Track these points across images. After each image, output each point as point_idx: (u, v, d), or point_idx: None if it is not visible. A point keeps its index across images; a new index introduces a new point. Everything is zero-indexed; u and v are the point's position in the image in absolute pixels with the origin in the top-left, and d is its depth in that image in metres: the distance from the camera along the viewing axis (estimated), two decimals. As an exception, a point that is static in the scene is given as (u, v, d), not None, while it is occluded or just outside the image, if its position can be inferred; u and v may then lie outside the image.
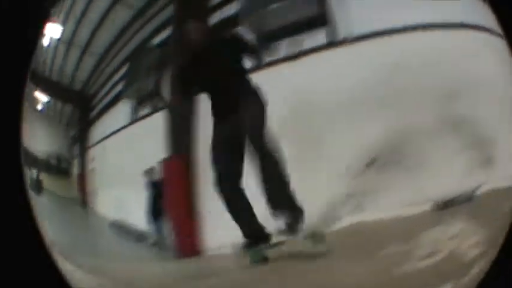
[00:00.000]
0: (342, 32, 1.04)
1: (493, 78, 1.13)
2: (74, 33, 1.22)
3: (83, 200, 1.13)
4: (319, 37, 1.04)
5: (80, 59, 1.20)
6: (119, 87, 1.12)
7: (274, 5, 1.02)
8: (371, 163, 0.96)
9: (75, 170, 1.14)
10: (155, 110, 1.01)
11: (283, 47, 1.02)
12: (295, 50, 1.03)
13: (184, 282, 1.09)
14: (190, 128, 0.99)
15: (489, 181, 1.11)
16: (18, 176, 1.38)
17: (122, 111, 1.10)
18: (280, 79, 0.99)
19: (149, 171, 1.00)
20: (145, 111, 1.06)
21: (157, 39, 1.07)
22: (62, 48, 1.23)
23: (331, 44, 1.03)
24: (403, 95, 1.01)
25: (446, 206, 1.06)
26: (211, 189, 0.93)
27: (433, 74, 1.06)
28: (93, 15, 1.17)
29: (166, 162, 0.98)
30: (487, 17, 1.22)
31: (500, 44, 1.23)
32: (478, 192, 1.10)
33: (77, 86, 1.18)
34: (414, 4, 1.13)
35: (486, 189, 1.13)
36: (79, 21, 1.22)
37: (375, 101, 1.00)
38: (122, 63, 1.08)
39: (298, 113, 0.94)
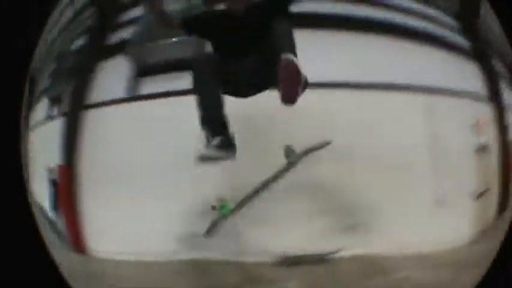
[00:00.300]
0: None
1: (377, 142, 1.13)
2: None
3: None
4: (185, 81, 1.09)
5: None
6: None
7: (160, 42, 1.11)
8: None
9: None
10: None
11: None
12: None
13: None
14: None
15: (356, 247, 1.12)
16: (18, 176, 1.38)
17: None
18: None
19: (51, 170, 1.13)
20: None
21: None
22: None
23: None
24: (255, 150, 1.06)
25: (291, 263, 1.10)
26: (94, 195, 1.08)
27: (291, 132, 1.08)
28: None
29: (59, 167, 1.11)
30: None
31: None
32: (336, 256, 1.12)
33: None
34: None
35: (350, 254, 1.14)
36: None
37: None
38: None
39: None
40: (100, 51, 1.15)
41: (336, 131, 1.10)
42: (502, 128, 1.56)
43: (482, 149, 1.49)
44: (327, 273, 1.15)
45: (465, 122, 1.27)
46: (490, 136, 1.41)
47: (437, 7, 1.26)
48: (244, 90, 1.03)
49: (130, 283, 1.15)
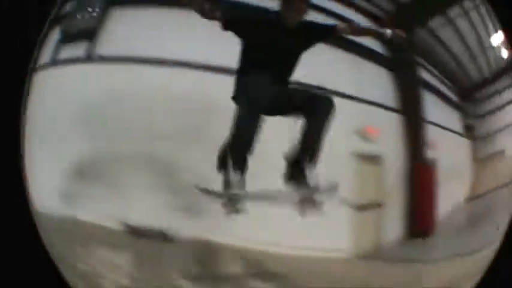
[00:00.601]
0: (100, 50, 1.16)
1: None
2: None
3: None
4: (79, 50, 1.18)
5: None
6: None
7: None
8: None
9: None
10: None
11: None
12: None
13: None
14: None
15: (195, 228, 1.13)
16: (18, 175, 1.38)
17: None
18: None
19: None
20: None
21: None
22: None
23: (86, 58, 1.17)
24: (115, 122, 1.12)
25: (137, 234, 1.12)
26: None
27: (154, 110, 1.11)
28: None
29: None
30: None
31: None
32: (175, 235, 1.13)
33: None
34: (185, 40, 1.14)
35: (187, 236, 1.15)
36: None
37: (93, 121, 1.14)
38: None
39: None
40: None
41: (194, 113, 1.12)
42: (412, 142, 1.50)
43: (369, 159, 1.43)
44: (164, 251, 1.16)
45: (352, 127, 1.26)
46: (386, 147, 1.37)
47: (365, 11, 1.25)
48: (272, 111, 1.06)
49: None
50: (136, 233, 1.16)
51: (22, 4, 1.39)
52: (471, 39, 1.58)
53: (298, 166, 1.12)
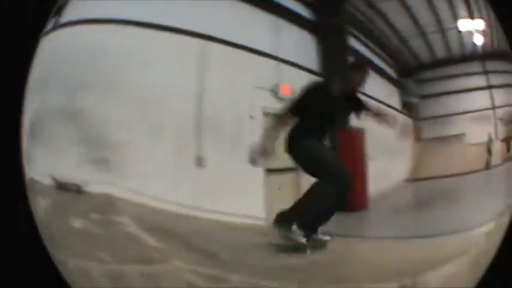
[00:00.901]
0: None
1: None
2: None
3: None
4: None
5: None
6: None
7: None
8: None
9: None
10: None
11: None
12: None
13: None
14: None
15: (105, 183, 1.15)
16: (18, 175, 1.38)
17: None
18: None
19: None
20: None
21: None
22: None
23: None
24: (49, 78, 1.21)
25: (61, 187, 1.15)
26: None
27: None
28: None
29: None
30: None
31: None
32: (90, 189, 1.16)
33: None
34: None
35: (98, 191, 1.17)
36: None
37: (40, 81, 1.24)
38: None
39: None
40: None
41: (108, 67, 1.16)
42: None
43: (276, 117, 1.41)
44: (77, 204, 1.18)
45: (265, 85, 1.31)
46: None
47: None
48: None
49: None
50: (59, 187, 1.20)
51: (22, 4, 1.39)
52: (424, 18, 1.60)
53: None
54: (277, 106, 1.34)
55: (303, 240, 1.27)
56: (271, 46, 1.39)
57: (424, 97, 1.87)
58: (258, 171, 1.35)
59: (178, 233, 1.21)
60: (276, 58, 1.25)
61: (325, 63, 1.34)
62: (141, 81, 1.22)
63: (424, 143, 1.86)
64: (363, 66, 1.34)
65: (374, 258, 1.40)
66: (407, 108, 1.87)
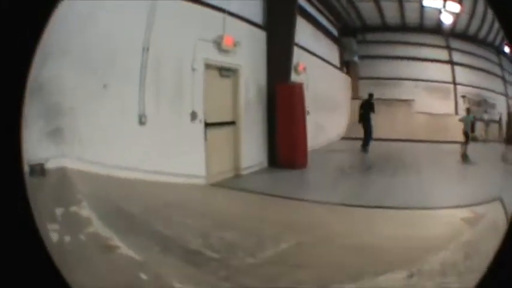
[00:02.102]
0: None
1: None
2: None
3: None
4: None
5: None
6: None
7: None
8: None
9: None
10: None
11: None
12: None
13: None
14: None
15: (62, 157, 1.10)
16: (18, 175, 1.38)
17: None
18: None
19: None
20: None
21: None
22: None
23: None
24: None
25: (32, 172, 1.11)
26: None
27: None
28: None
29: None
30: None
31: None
32: (50, 166, 1.11)
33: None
34: None
35: (56, 165, 1.12)
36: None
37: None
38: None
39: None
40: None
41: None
42: (276, 63, 1.44)
43: (225, 71, 1.38)
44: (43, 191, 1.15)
45: (209, 37, 1.32)
46: (244, 61, 1.35)
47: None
48: None
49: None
50: (31, 172, 1.19)
51: (22, 4, 1.38)
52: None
53: None
54: (219, 58, 1.36)
55: None
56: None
57: (364, 57, 1.88)
58: (198, 126, 1.35)
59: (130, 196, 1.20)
60: (222, 10, 1.26)
61: (270, 17, 1.35)
62: (90, 41, 1.21)
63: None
64: None
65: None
66: (348, 66, 1.90)
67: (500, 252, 1.34)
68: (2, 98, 1.36)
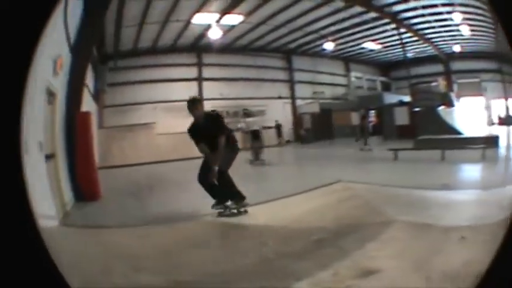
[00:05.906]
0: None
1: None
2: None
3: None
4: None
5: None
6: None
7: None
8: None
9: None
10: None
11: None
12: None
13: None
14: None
15: None
16: (18, 175, 1.38)
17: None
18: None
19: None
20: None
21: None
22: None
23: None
24: None
25: None
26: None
27: None
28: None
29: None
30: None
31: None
32: None
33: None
34: None
35: None
36: None
37: None
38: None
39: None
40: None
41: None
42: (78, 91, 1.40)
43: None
44: None
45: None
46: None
47: None
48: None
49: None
50: None
51: (22, 4, 1.38)
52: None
53: None
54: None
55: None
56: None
57: (111, 85, 1.85)
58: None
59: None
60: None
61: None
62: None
63: (108, 131, 1.82)
64: None
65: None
66: (97, 95, 1.86)
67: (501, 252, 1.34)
68: (2, 98, 1.36)
